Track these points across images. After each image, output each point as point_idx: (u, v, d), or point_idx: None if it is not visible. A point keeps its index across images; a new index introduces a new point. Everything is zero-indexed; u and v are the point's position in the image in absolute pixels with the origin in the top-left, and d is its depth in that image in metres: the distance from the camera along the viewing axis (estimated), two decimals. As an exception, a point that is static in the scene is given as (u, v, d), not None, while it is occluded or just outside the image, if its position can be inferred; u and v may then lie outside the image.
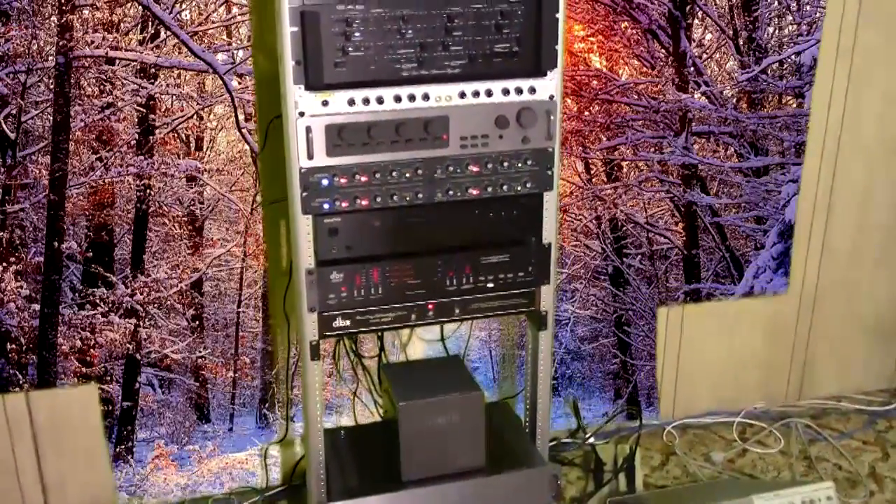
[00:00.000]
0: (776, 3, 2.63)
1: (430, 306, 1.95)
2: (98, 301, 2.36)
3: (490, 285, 1.97)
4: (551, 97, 1.87)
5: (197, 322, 2.48)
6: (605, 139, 2.64)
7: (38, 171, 2.22)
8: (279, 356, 2.50)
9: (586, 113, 2.60)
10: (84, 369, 2.37)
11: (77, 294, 2.34)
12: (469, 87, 1.81)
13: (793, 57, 2.65)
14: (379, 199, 1.83)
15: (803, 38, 2.63)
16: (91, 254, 2.33)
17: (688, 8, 2.55)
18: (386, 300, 1.91)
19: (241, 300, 2.49)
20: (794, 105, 2.69)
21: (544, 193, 1.96)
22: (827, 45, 2.59)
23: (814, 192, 2.73)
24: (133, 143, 2.27)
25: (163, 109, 2.27)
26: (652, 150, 2.67)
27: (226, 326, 2.51)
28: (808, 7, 2.60)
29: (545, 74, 1.85)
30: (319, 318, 1.87)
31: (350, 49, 1.70)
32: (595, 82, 2.57)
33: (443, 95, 1.80)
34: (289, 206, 1.82)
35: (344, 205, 1.80)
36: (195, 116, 2.30)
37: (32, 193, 2.23)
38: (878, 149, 2.74)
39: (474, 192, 1.89)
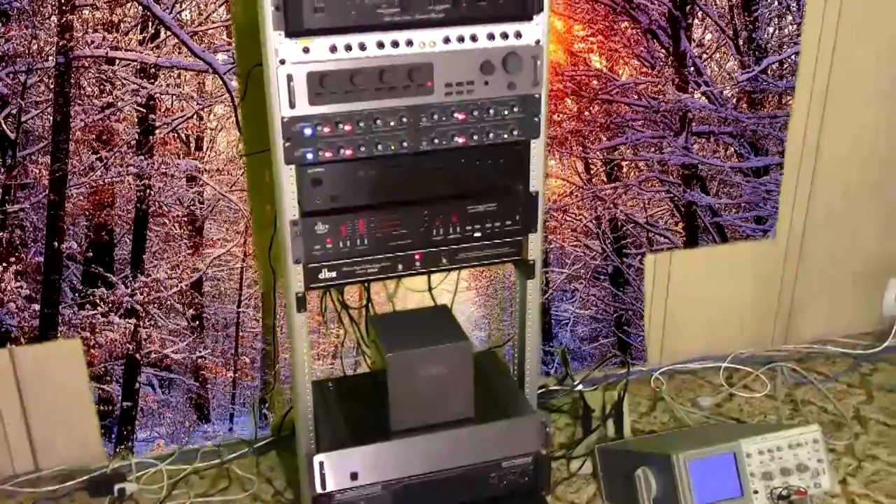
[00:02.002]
0: (776, 3, 2.63)
1: (416, 256, 1.93)
2: (98, 301, 2.36)
3: (477, 234, 1.95)
4: (538, 42, 1.84)
5: (197, 322, 2.48)
6: (605, 139, 2.64)
7: (38, 171, 2.22)
8: (268, 306, 2.48)
9: (586, 113, 2.60)
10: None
11: (77, 294, 2.34)
12: (454, 31, 1.78)
13: (793, 57, 2.65)
14: (363, 149, 1.80)
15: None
16: (91, 254, 2.33)
17: (688, 8, 2.55)
18: (372, 251, 1.89)
19: (241, 300, 2.49)
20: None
21: (531, 141, 1.92)
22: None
23: (802, 135, 2.72)
24: (133, 143, 2.27)
25: (163, 109, 2.27)
26: (652, 150, 2.67)
27: (226, 326, 2.51)
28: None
29: (531, 18, 1.81)
30: (305, 270, 1.85)
31: None
32: (595, 82, 2.57)
33: (427, 41, 1.77)
34: (271, 157, 1.79)
35: (328, 154, 1.78)
36: (195, 116, 2.30)
37: (32, 193, 2.23)
38: (873, 93, 2.73)
39: (460, 140, 1.86)
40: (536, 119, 1.89)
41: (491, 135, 1.87)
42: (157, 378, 2.49)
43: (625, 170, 2.69)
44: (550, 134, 2.54)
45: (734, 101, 2.68)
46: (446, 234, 1.93)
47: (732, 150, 2.73)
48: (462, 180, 1.92)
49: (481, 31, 1.80)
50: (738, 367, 2.84)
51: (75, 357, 2.35)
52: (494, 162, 1.92)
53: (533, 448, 2.03)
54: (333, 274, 1.88)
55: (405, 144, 1.82)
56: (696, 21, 2.58)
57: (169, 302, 2.43)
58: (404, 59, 1.77)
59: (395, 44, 1.75)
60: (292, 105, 1.72)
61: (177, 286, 2.42)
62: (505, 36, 1.81)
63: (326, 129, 1.76)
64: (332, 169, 1.81)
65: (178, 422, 2.54)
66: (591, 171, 2.68)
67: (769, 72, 2.66)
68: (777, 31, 2.65)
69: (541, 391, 2.50)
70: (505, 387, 2.18)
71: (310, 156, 1.77)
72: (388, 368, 1.93)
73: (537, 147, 1.93)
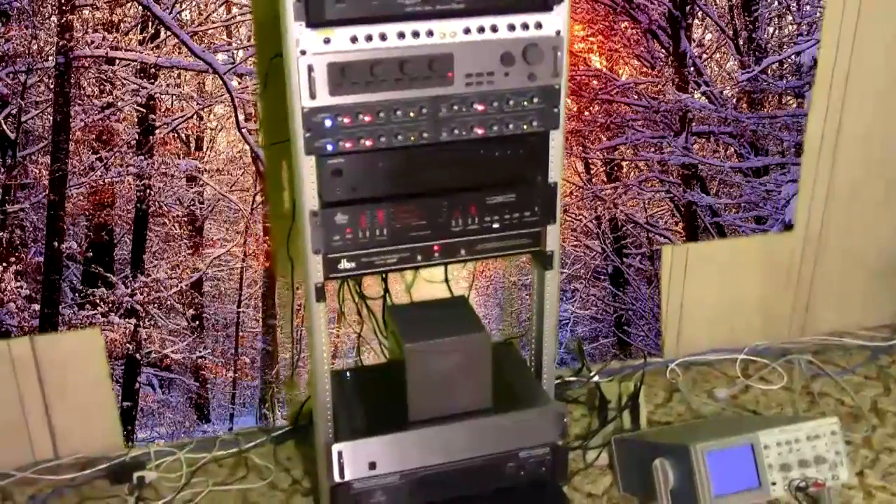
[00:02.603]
0: (776, 3, 2.63)
1: (435, 247, 1.92)
2: (98, 301, 2.36)
3: (496, 225, 1.94)
4: (558, 32, 1.82)
5: (197, 322, 2.48)
6: (605, 139, 2.64)
7: (38, 171, 2.22)
8: (284, 297, 2.48)
9: (586, 113, 2.60)
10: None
11: (77, 294, 2.34)
12: (474, 22, 1.77)
13: (793, 57, 2.65)
14: (383, 139, 1.79)
15: (803, 38, 2.63)
16: (91, 254, 2.33)
17: (688, 8, 2.55)
18: (391, 241, 1.88)
19: (241, 300, 2.49)
20: (794, 105, 2.69)
21: (551, 132, 1.91)
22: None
23: (820, 131, 2.70)
24: (133, 143, 2.27)
25: (163, 109, 2.27)
26: (652, 150, 2.67)
27: (226, 326, 2.51)
28: (808, 7, 2.60)
29: (551, 9, 1.80)
30: (324, 260, 1.85)
31: None
32: (595, 82, 2.57)
33: (447, 31, 1.76)
34: (291, 147, 1.79)
35: (348, 145, 1.77)
36: (195, 116, 2.30)
37: (32, 193, 2.23)
38: (887, 88, 2.71)
39: (480, 131, 1.85)
40: (556, 110, 1.88)
41: (511, 126, 1.86)
42: (157, 378, 2.49)
43: (625, 170, 2.69)
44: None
45: (734, 101, 2.68)
46: (465, 225, 1.92)
47: (732, 150, 2.73)
48: (481, 171, 1.91)
49: (502, 21, 1.79)
50: (754, 358, 2.82)
51: (95, 345, 2.35)
52: (514, 153, 1.91)
53: (550, 439, 2.03)
54: (353, 265, 1.87)
55: (425, 135, 1.81)
56: (696, 21, 2.58)
57: (169, 302, 2.43)
58: (425, 50, 1.76)
59: (416, 34, 1.74)
60: (313, 96, 1.72)
61: (177, 286, 2.42)
62: (525, 26, 1.80)
63: (346, 120, 1.76)
64: (352, 159, 1.81)
65: (178, 422, 2.54)
66: (591, 171, 2.68)
67: (769, 72, 2.66)
68: (777, 31, 2.65)
69: (557, 382, 2.49)
70: (522, 378, 2.17)
71: (330, 146, 1.76)
72: (406, 359, 1.93)
73: (557, 138, 1.92)
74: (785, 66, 2.67)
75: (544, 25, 1.81)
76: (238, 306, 2.50)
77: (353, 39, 1.71)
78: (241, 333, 2.52)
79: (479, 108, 1.83)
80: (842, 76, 2.65)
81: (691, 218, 2.77)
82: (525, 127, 1.87)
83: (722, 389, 2.67)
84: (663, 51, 2.58)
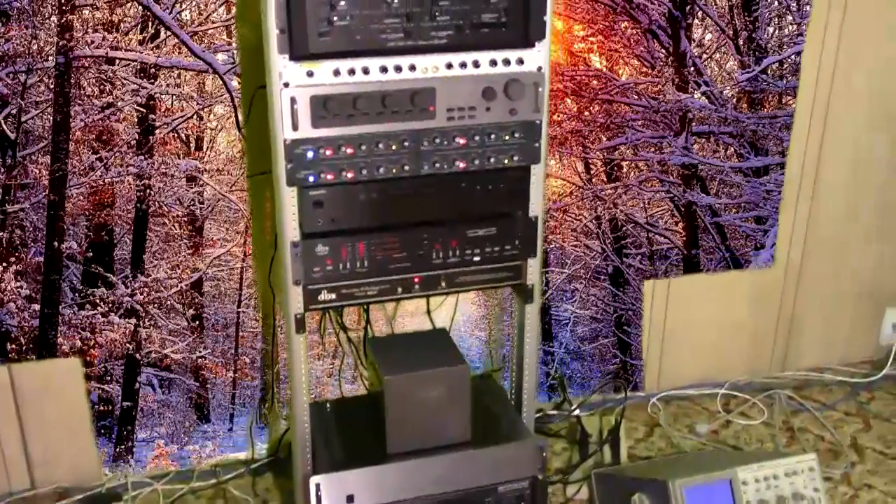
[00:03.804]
0: (776, 3, 2.63)
1: (416, 279, 1.93)
2: (98, 301, 2.36)
3: (476, 258, 1.96)
4: (539, 69, 1.85)
5: (197, 322, 2.48)
6: (605, 139, 2.64)
7: (38, 171, 2.22)
8: (265, 328, 2.49)
9: (586, 113, 2.60)
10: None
11: (77, 294, 2.35)
12: (456, 57, 1.79)
13: (793, 57, 2.65)
14: (365, 172, 1.80)
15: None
16: (91, 254, 2.33)
17: (688, 8, 2.55)
18: (372, 273, 1.89)
19: (241, 300, 2.49)
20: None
21: (532, 166, 1.93)
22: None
23: (801, 160, 2.72)
24: (133, 143, 2.27)
25: (163, 109, 2.27)
26: (652, 150, 2.67)
27: (226, 326, 2.51)
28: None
29: (533, 45, 1.82)
30: (305, 291, 1.86)
31: (335, 18, 1.67)
32: (595, 82, 2.57)
33: (429, 66, 1.78)
34: (273, 179, 1.80)
35: (329, 177, 1.78)
36: (195, 116, 2.30)
37: (32, 193, 2.23)
38: (874, 116, 2.73)
39: (461, 164, 1.86)
40: (537, 145, 1.90)
41: (492, 160, 1.88)
42: (157, 378, 2.49)
43: (625, 170, 2.69)
44: (550, 133, 2.54)
45: (734, 101, 2.68)
46: (446, 258, 1.94)
47: (732, 150, 2.73)
48: (462, 204, 1.93)
49: (484, 57, 1.81)
50: (735, 393, 2.84)
51: (74, 375, 2.35)
52: (495, 187, 1.93)
53: (530, 473, 2.03)
54: (333, 296, 1.89)
55: (406, 168, 1.83)
56: (696, 21, 2.58)
57: (169, 302, 2.43)
58: (407, 84, 1.78)
59: (399, 68, 1.76)
60: (295, 127, 1.73)
61: (177, 286, 2.42)
62: (507, 62, 1.83)
63: (328, 152, 1.77)
64: (334, 191, 1.82)
65: (178, 422, 2.54)
66: (591, 171, 2.68)
67: (769, 72, 2.66)
68: (777, 31, 2.65)
69: (538, 415, 2.49)
70: (502, 410, 2.18)
71: (311, 178, 1.78)
72: (385, 391, 1.94)
73: (537, 173, 1.95)
74: (785, 66, 2.67)
75: (526, 61, 1.84)
76: (238, 306, 2.50)
77: (336, 73, 1.73)
78: (241, 333, 2.53)
79: (461, 141, 1.85)
80: (822, 106, 2.68)
81: (691, 218, 2.77)
82: (506, 161, 1.89)
83: (703, 424, 2.68)
84: (663, 51, 2.58)
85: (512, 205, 1.96)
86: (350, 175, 1.80)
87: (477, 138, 1.86)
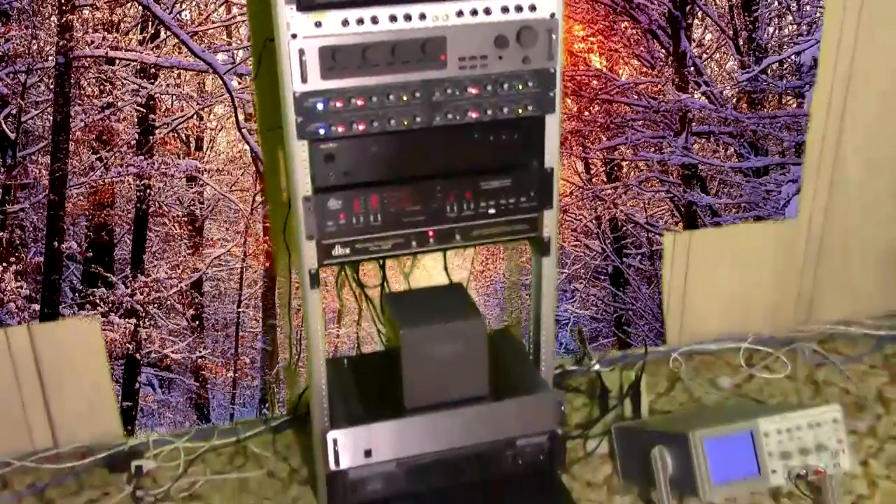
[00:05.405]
0: (776, 3, 2.63)
1: (430, 233, 1.90)
2: (98, 301, 2.37)
3: (491, 211, 1.92)
4: (552, 15, 1.80)
5: (197, 322, 2.48)
6: (605, 139, 2.64)
7: (38, 171, 2.22)
8: (281, 288, 2.47)
9: (586, 113, 2.60)
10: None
11: (77, 294, 2.35)
12: (467, 4, 1.74)
13: (793, 57, 2.65)
14: (376, 124, 1.77)
15: (803, 38, 2.63)
16: (91, 254, 2.33)
17: (688, 8, 2.55)
18: (385, 227, 1.86)
19: (241, 300, 2.49)
20: (794, 105, 2.69)
21: (546, 116, 1.88)
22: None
23: (824, 119, 2.68)
24: (133, 143, 2.27)
25: (163, 109, 2.28)
26: (652, 150, 2.67)
27: (226, 326, 2.51)
28: (808, 7, 2.60)
29: None
30: (318, 246, 1.83)
31: None
32: (595, 82, 2.57)
33: (440, 14, 1.73)
34: (284, 133, 1.77)
35: (340, 129, 1.75)
36: (195, 116, 2.30)
37: (32, 193, 2.24)
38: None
39: (474, 115, 1.82)
40: (551, 94, 1.85)
41: (505, 109, 1.84)
42: (157, 378, 2.49)
43: (625, 170, 2.69)
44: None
45: (734, 101, 2.68)
46: (460, 211, 1.90)
47: (732, 150, 2.73)
48: (476, 156, 1.89)
49: (495, 3, 1.76)
50: (758, 347, 2.78)
51: (93, 335, 2.35)
52: (509, 137, 1.89)
53: (548, 426, 2.01)
54: (347, 250, 1.85)
55: (418, 119, 1.79)
56: (696, 21, 2.58)
57: (169, 302, 2.43)
58: (417, 33, 1.73)
59: (408, 17, 1.72)
60: (304, 80, 1.70)
61: (177, 286, 2.42)
62: (519, 9, 1.78)
63: (339, 104, 1.74)
64: (345, 144, 1.79)
65: (178, 422, 2.54)
66: (591, 171, 2.68)
67: (769, 72, 2.66)
68: (777, 31, 2.65)
69: (558, 371, 2.46)
70: (520, 365, 2.15)
71: (322, 131, 1.74)
72: (401, 345, 1.92)
73: (552, 122, 1.90)
74: (785, 66, 2.67)
75: (538, 8, 1.79)
76: (238, 306, 2.50)
77: (345, 23, 1.69)
78: (241, 333, 2.53)
79: (473, 91, 1.81)
80: (845, 65, 2.61)
81: (691, 218, 2.77)
82: (520, 111, 1.85)
83: (725, 378, 2.65)
84: (663, 51, 2.58)
85: (527, 156, 1.92)
86: (361, 127, 1.76)
87: (489, 88, 1.81)
